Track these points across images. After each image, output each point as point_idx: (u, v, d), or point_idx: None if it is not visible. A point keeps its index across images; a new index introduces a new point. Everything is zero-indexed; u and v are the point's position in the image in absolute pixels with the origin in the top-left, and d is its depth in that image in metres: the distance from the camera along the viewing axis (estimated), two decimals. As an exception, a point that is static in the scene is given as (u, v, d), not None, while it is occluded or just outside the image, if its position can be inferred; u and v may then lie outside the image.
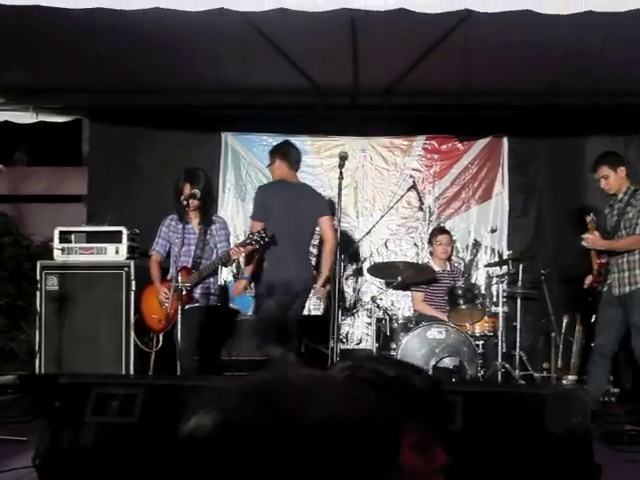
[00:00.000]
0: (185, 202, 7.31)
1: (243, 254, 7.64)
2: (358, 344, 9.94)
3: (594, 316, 7.75)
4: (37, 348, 8.46)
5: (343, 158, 6.72)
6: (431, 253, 9.27)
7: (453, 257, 9.51)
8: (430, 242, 9.14)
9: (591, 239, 7.50)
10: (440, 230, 9.20)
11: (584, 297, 8.47)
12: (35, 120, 10.06)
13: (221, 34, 8.31)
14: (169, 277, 7.53)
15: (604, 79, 8.82)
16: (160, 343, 7.84)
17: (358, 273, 10.04)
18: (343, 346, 8.36)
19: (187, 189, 7.44)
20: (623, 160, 7.82)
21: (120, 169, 10.23)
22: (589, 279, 7.79)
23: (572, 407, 4.65)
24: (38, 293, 8.48)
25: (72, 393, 5.04)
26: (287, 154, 7.79)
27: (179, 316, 6.99)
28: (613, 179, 7.52)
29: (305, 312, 9.68)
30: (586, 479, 4.31)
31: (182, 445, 1.27)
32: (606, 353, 7.61)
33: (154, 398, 4.88)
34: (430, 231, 9.42)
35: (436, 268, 8.91)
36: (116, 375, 7.71)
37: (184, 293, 7.15)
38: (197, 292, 7.45)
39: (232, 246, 7.57)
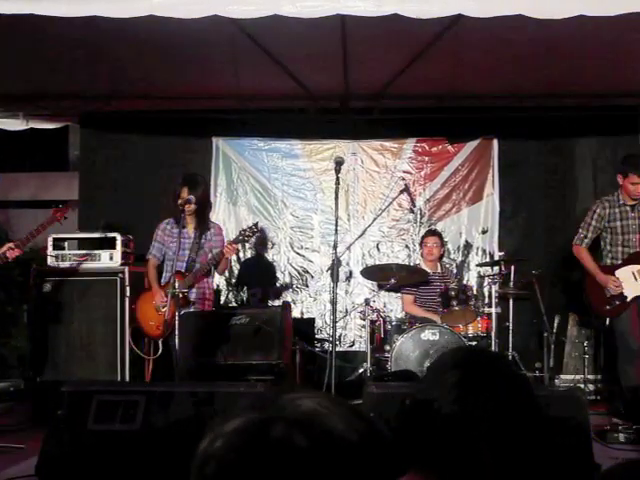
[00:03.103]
0: (181, 207, 7.35)
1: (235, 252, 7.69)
2: (351, 346, 9.98)
3: (607, 319, 7.74)
4: (30, 355, 8.44)
5: (339, 163, 6.74)
6: (422, 255, 9.32)
7: (445, 259, 9.54)
8: (420, 244, 9.18)
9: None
10: (429, 232, 9.23)
11: (576, 297, 8.53)
12: (26, 127, 10.05)
13: (212, 40, 8.32)
14: (163, 282, 7.55)
15: (593, 81, 8.88)
16: (160, 350, 7.86)
17: (350, 275, 10.08)
18: (337, 348, 8.37)
19: (185, 193, 7.47)
20: None
21: (111, 175, 10.23)
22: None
23: (570, 408, 4.71)
24: (32, 299, 8.47)
25: (74, 401, 5.06)
26: None
27: (176, 321, 7.01)
28: None
29: (297, 315, 9.76)
30: (586, 479, 4.36)
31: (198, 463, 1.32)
32: None
33: (156, 405, 4.91)
34: (422, 233, 9.45)
35: (427, 270, 8.95)
36: (117, 382, 7.72)
37: (180, 298, 7.17)
38: (193, 296, 7.47)
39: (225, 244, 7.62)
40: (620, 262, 7.50)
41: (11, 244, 7.24)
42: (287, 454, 1.23)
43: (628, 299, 7.35)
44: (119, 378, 8.15)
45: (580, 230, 7.63)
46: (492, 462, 1.85)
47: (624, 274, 7.43)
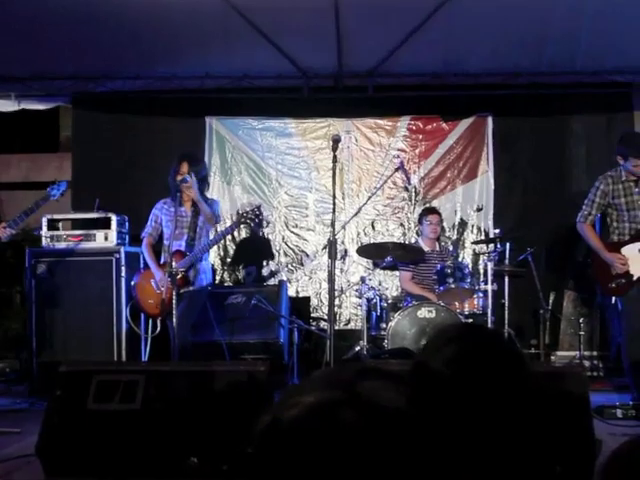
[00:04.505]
0: (179, 184, 7.34)
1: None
2: (347, 324, 10.00)
3: (613, 298, 7.60)
4: (28, 336, 8.43)
5: (336, 141, 6.68)
6: (419, 233, 9.31)
7: (440, 237, 9.54)
8: (420, 222, 9.16)
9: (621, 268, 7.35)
10: (430, 210, 9.22)
11: (572, 274, 8.55)
12: (18, 108, 9.98)
13: (204, 18, 8.31)
14: (162, 262, 7.54)
15: (587, 57, 8.87)
16: (158, 328, 7.87)
17: (345, 254, 10.07)
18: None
19: (184, 168, 7.45)
20: None
21: (104, 155, 10.19)
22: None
23: (571, 384, 4.72)
24: (27, 281, 8.45)
25: (73, 381, 5.06)
26: None
27: (174, 300, 7.01)
28: None
29: (293, 294, 9.77)
30: (588, 455, 4.38)
31: (263, 435, 1.33)
32: None
33: (155, 385, 4.91)
34: (420, 211, 9.42)
35: (425, 248, 8.95)
36: (116, 362, 7.72)
37: (179, 277, 7.17)
38: (191, 275, 7.47)
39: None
40: (627, 238, 7.40)
41: (3, 223, 7.23)
42: (352, 435, 1.27)
43: (634, 277, 7.21)
44: (115, 358, 8.15)
45: (584, 207, 7.52)
46: (487, 436, 1.86)
47: (630, 251, 7.29)
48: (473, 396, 1.82)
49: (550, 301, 9.13)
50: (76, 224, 8.71)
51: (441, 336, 2.01)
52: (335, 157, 6.56)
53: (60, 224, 8.73)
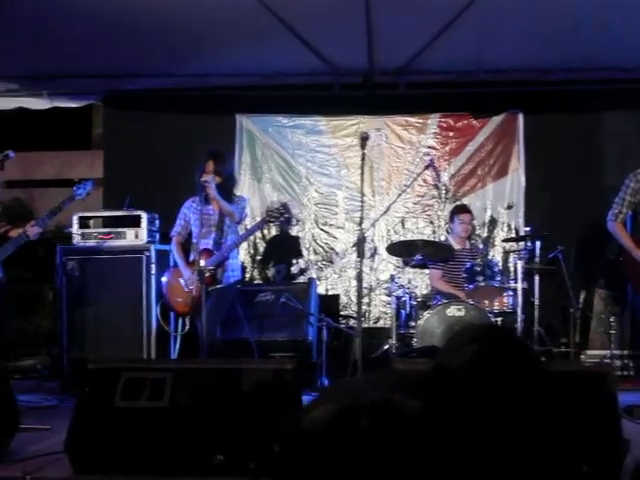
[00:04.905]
0: (203, 185, 7.38)
1: None
2: (376, 322, 9.97)
3: None
4: (59, 333, 8.48)
5: (365, 139, 6.67)
6: (449, 231, 9.28)
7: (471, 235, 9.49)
8: (451, 219, 9.13)
9: None
10: (462, 208, 9.16)
11: (602, 272, 8.49)
12: (50, 106, 10.05)
13: (234, 15, 8.32)
14: (191, 260, 7.56)
15: (619, 53, 8.79)
16: (187, 327, 7.90)
17: (375, 252, 10.05)
18: (362, 325, 8.33)
19: (210, 167, 7.49)
20: None
21: (135, 153, 10.23)
22: None
23: (599, 383, 4.68)
24: (58, 278, 8.50)
25: (101, 378, 5.08)
26: None
27: (203, 298, 7.03)
28: None
29: (322, 291, 9.76)
30: (616, 455, 4.34)
31: (297, 435, 1.38)
32: None
33: (183, 382, 4.92)
34: (451, 208, 9.39)
35: (455, 246, 8.92)
36: (144, 359, 7.73)
37: (207, 275, 7.19)
38: (219, 273, 7.48)
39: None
40: None
41: (32, 222, 7.31)
42: (370, 441, 1.33)
43: None
44: (145, 356, 8.18)
45: (614, 205, 7.46)
46: (507, 437, 1.86)
47: None
48: (491, 397, 1.82)
49: (580, 299, 9.07)
50: (107, 222, 8.75)
51: (460, 337, 2.01)
52: (363, 155, 6.54)
53: (91, 222, 8.77)
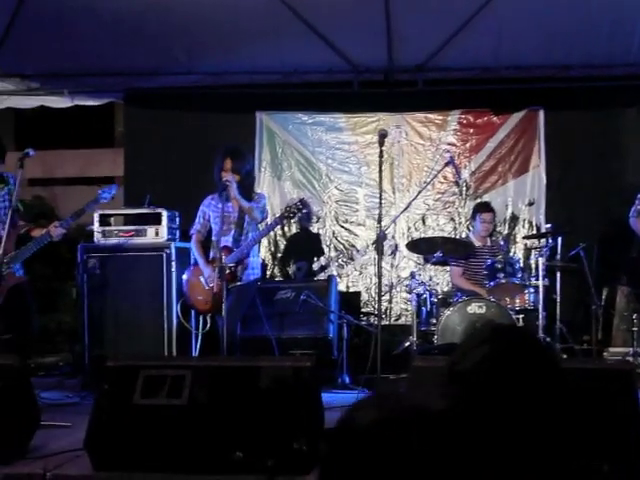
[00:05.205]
0: (224, 184, 7.39)
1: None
2: (397, 320, 9.96)
3: None
4: (80, 330, 8.51)
5: (383, 136, 6.67)
6: (470, 228, 9.25)
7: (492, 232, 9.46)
8: (473, 217, 9.11)
9: None
10: (485, 207, 9.11)
11: (625, 269, 8.43)
12: (71, 104, 10.09)
13: (254, 13, 8.33)
14: (211, 258, 7.57)
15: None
16: (208, 325, 7.91)
17: (395, 249, 10.04)
18: (383, 322, 8.33)
19: (228, 165, 7.50)
20: None
21: (156, 151, 10.26)
22: None
23: (620, 381, 4.65)
24: (79, 276, 8.54)
25: (120, 376, 5.09)
26: None
27: (224, 296, 7.04)
28: None
29: (343, 289, 9.75)
30: (636, 453, 4.32)
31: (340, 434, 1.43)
32: None
33: (203, 380, 4.93)
34: (473, 206, 9.37)
35: (476, 243, 8.90)
36: (163, 357, 7.75)
37: (227, 272, 7.20)
38: (239, 271, 7.49)
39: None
40: None
41: (55, 222, 7.34)
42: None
43: None
44: (166, 353, 8.20)
45: (636, 202, 7.45)
46: (523, 436, 1.86)
47: None
48: (504, 398, 1.82)
49: (603, 297, 9.02)
50: (128, 220, 8.77)
51: (472, 339, 2.02)
52: (382, 152, 6.53)
53: (112, 219, 8.79)
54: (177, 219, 8.79)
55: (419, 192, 9.46)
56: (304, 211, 7.67)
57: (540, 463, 1.91)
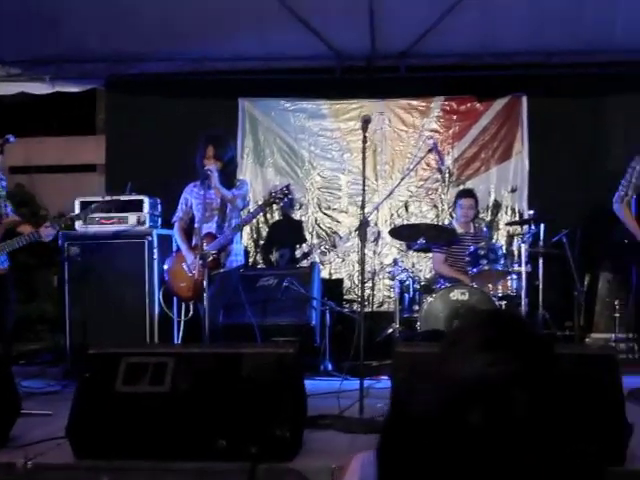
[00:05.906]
0: (207, 171, 7.36)
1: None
2: (380, 307, 9.96)
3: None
4: (62, 318, 8.46)
5: (366, 121, 6.61)
6: (452, 215, 9.25)
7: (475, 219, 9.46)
8: (455, 203, 9.11)
9: None
10: (465, 193, 9.10)
11: (607, 256, 8.44)
12: (52, 90, 10.01)
13: (235, -1, 8.30)
14: (194, 244, 7.54)
15: (624, 35, 8.75)
16: (191, 312, 7.88)
17: (378, 236, 10.03)
18: (366, 309, 8.32)
19: (210, 151, 7.46)
20: None
21: (138, 138, 10.20)
22: None
23: (602, 367, 4.66)
24: (61, 263, 8.49)
25: (102, 363, 5.06)
26: None
27: (206, 282, 7.02)
28: None
29: (326, 276, 9.74)
30: (619, 439, 4.32)
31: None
32: None
33: (185, 367, 4.90)
34: (455, 193, 9.38)
35: (459, 230, 8.89)
36: (145, 344, 7.70)
37: (210, 259, 7.17)
38: (223, 257, 7.46)
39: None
40: None
41: (47, 223, 7.32)
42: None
43: None
44: (148, 341, 8.16)
45: (620, 188, 7.44)
46: (521, 422, 1.85)
47: None
48: (502, 382, 1.82)
49: (585, 283, 9.04)
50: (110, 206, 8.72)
51: (465, 323, 2.00)
52: (365, 138, 6.49)
53: (93, 207, 8.74)
54: (159, 206, 8.74)
55: (402, 179, 9.44)
56: (289, 197, 7.66)
57: (543, 446, 1.91)
